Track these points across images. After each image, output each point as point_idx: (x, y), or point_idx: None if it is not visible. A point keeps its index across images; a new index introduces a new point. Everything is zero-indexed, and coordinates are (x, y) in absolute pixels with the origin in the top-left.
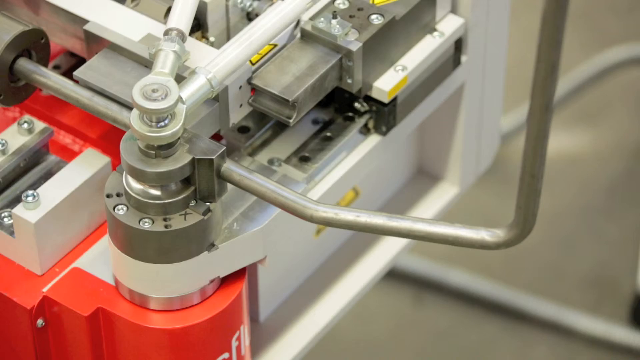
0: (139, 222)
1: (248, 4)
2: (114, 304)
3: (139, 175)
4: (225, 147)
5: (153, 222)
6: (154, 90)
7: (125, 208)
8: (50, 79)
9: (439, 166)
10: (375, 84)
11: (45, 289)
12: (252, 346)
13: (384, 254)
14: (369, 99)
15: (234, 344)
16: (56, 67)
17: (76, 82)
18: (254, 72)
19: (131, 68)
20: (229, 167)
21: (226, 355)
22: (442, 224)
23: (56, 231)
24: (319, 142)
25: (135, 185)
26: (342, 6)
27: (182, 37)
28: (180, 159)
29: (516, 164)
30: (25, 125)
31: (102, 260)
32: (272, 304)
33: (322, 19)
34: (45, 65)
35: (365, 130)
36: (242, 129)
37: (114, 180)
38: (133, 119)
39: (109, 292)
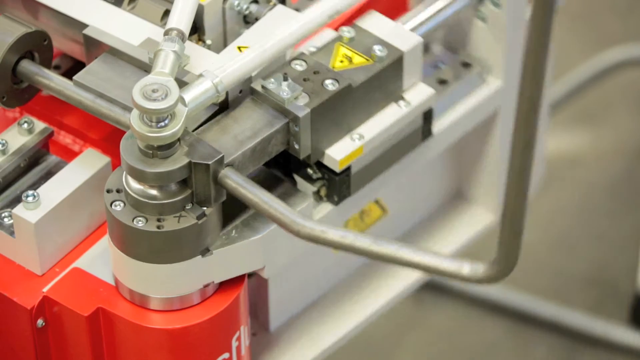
0: (133, 220)
1: (245, 7)
2: (114, 304)
3: (135, 173)
4: (223, 154)
5: (147, 221)
6: (154, 90)
7: (122, 204)
8: (52, 80)
9: (476, 191)
10: (327, 151)
11: (45, 289)
12: (259, 354)
13: (404, 278)
14: (322, 166)
15: (234, 344)
16: (56, 67)
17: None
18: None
19: (131, 72)
20: (226, 174)
21: (226, 355)
22: (426, 253)
23: (56, 231)
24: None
25: (134, 183)
26: (299, 67)
27: (182, 38)
28: (177, 161)
29: None
30: (25, 125)
31: (102, 260)
32: (283, 315)
33: (272, 79)
34: (48, 66)
35: (318, 198)
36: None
37: (116, 176)
38: (133, 119)
39: (109, 292)
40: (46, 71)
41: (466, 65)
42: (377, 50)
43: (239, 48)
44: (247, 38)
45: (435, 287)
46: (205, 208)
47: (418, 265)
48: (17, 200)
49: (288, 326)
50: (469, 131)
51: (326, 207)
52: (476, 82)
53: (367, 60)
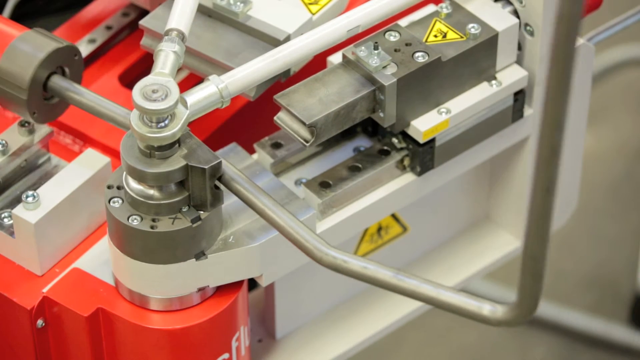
0: (128, 218)
1: None
2: (114, 304)
3: (135, 173)
4: (221, 160)
5: (141, 220)
6: (154, 91)
7: (120, 201)
8: (83, 96)
9: (504, 216)
10: (413, 122)
11: (45, 290)
12: (264, 359)
13: (413, 301)
14: (408, 137)
15: (234, 344)
16: (125, 15)
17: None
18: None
19: (195, 17)
20: (231, 176)
21: (226, 355)
22: (447, 291)
23: (56, 231)
24: (347, 170)
25: (133, 182)
26: (392, 38)
27: (182, 38)
28: (174, 163)
29: None
30: (26, 125)
31: (102, 260)
32: (290, 324)
33: (363, 47)
34: (79, 81)
35: (402, 167)
36: (275, 145)
37: (119, 173)
38: (133, 119)
39: (109, 292)
40: (77, 86)
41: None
42: (472, 27)
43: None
44: None
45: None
46: (201, 212)
47: (438, 302)
48: (17, 200)
49: (294, 335)
50: (499, 154)
51: (408, 177)
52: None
53: (461, 37)
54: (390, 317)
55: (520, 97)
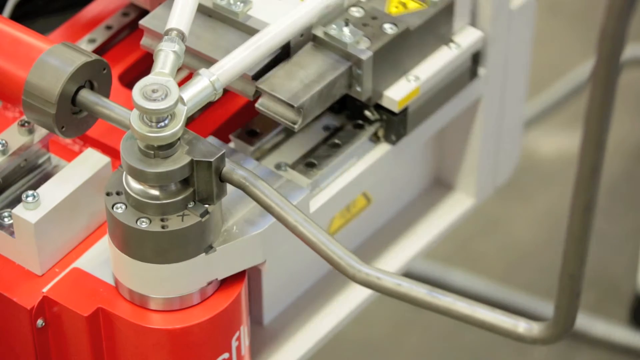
0: (137, 222)
1: None
2: (114, 304)
3: (137, 175)
4: (224, 150)
5: (150, 222)
6: (154, 91)
7: (124, 207)
8: (113, 110)
9: (455, 177)
10: (386, 93)
11: (45, 289)
12: (255, 349)
13: (392, 261)
14: (379, 108)
15: (234, 344)
16: (125, 14)
17: None
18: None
19: (195, 17)
20: (232, 169)
21: (226, 355)
22: (482, 308)
23: (56, 231)
24: (327, 148)
25: (135, 184)
26: (356, 14)
27: (182, 38)
28: (179, 160)
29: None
30: (25, 125)
31: (102, 260)
32: (276, 308)
33: (334, 25)
34: (107, 95)
35: (376, 139)
36: (251, 133)
37: (115, 178)
38: (133, 119)
39: (109, 292)
40: (105, 100)
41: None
42: None
43: None
44: None
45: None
46: (207, 206)
47: (473, 320)
48: (17, 200)
49: (282, 318)
50: (456, 116)
51: (383, 148)
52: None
53: (421, 5)
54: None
55: (476, 57)
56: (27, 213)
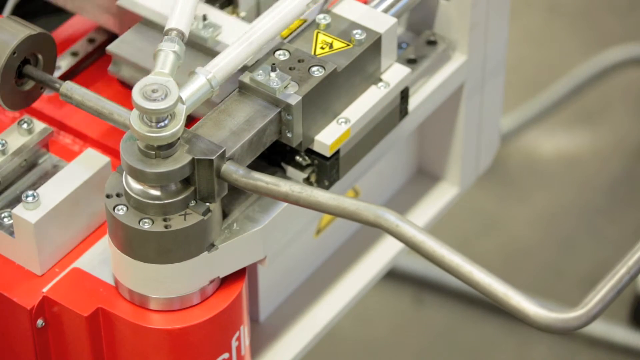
0: (139, 223)
1: None
2: (114, 304)
3: (138, 175)
4: (224, 148)
5: (153, 223)
6: (153, 91)
7: (125, 208)
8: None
9: (439, 166)
10: (317, 137)
11: (45, 289)
12: (252, 346)
13: (384, 253)
14: (310, 153)
15: (234, 344)
16: (91, 41)
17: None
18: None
19: None
20: (231, 169)
21: (226, 355)
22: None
23: (56, 231)
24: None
25: (135, 185)
26: (282, 57)
27: (182, 38)
28: (180, 160)
29: (516, 163)
30: (25, 125)
31: (102, 260)
32: (272, 304)
33: (260, 71)
34: (52, 69)
35: (309, 184)
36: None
37: (114, 180)
38: (133, 119)
39: (109, 292)
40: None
41: (431, 43)
42: (356, 34)
43: None
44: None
45: (435, 287)
46: (208, 204)
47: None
48: (17, 200)
49: (278, 315)
50: (438, 107)
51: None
52: (443, 58)
53: (347, 44)
54: (368, 274)
55: (404, 94)
56: (27, 213)
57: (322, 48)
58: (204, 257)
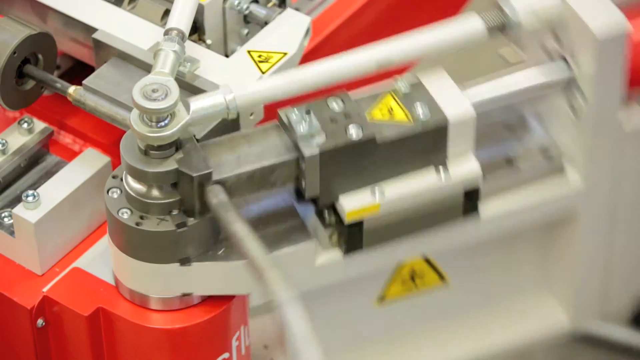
0: (118, 211)
1: (245, 6)
2: (114, 303)
3: (129, 169)
4: (211, 170)
5: (130, 215)
6: (154, 90)
7: (118, 192)
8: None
9: (556, 285)
10: (342, 197)
11: (45, 289)
12: None
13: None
14: (337, 212)
15: (234, 344)
16: (56, 67)
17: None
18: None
19: (140, 76)
20: (214, 192)
21: (226, 355)
22: None
23: (56, 231)
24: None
25: (130, 180)
26: (334, 105)
27: (182, 38)
28: (165, 165)
29: None
30: (25, 125)
31: (102, 260)
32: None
33: (296, 110)
34: (52, 68)
35: (330, 242)
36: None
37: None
38: (133, 118)
39: (109, 292)
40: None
41: (545, 153)
42: (420, 112)
43: (249, 52)
44: (256, 43)
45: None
46: (190, 219)
47: None
48: (17, 200)
49: None
50: (536, 223)
51: (335, 254)
52: (552, 173)
53: (408, 118)
54: None
55: (472, 195)
56: (27, 213)
57: (382, 112)
58: (174, 267)
